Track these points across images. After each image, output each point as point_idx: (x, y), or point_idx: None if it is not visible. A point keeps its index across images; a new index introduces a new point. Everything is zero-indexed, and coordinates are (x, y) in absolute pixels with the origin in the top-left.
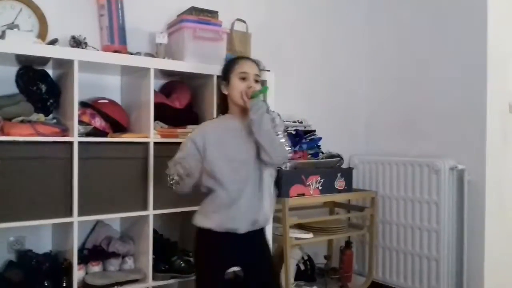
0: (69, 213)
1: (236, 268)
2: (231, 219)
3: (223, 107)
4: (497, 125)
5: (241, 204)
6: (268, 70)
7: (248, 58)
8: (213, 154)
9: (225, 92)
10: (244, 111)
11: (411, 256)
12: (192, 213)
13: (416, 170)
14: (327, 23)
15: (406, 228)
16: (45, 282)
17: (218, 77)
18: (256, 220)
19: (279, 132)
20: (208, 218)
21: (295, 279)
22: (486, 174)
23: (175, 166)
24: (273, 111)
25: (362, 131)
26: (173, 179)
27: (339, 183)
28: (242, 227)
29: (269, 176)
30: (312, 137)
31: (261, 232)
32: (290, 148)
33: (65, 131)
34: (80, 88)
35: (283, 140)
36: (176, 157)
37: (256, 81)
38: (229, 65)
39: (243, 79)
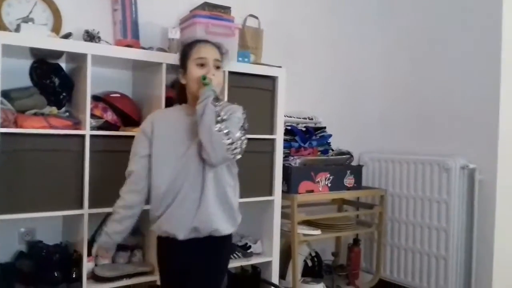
0: (80, 205)
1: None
2: (167, 223)
3: (181, 98)
4: (509, 124)
5: (177, 207)
6: (280, 66)
7: (206, 41)
8: (156, 149)
9: (183, 82)
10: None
11: (420, 255)
12: None
13: (426, 169)
14: (340, 19)
15: (415, 227)
16: (55, 273)
17: (173, 65)
18: (195, 227)
19: (225, 129)
20: (153, 221)
21: (303, 275)
22: (497, 174)
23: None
24: (227, 104)
25: (373, 128)
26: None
27: (349, 181)
28: (180, 233)
29: (221, 178)
30: (322, 134)
31: (209, 242)
32: (236, 149)
33: (77, 124)
34: (92, 82)
35: (226, 139)
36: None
37: (217, 67)
38: (185, 50)
39: (201, 65)
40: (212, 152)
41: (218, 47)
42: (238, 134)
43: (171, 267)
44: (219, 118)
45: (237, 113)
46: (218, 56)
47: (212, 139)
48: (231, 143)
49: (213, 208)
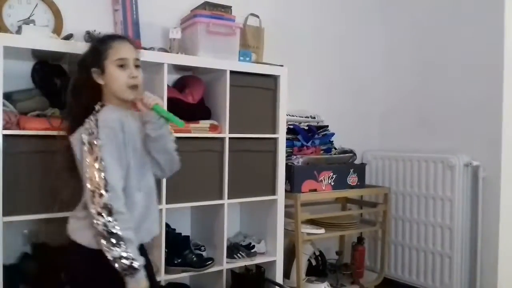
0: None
1: None
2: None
3: (90, 94)
4: None
5: (146, 213)
6: (281, 65)
7: (123, 38)
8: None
9: (100, 82)
10: (127, 104)
11: (424, 253)
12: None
13: (430, 166)
14: (342, 18)
15: (419, 225)
16: (60, 274)
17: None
18: (157, 233)
19: (176, 149)
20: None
21: (307, 274)
22: (501, 171)
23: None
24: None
25: (376, 126)
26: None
27: (352, 179)
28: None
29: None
30: (324, 132)
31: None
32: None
33: None
34: None
35: (178, 157)
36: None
37: (137, 66)
38: (101, 48)
39: (121, 66)
40: (169, 171)
41: (132, 43)
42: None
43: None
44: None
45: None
46: (137, 55)
47: (172, 161)
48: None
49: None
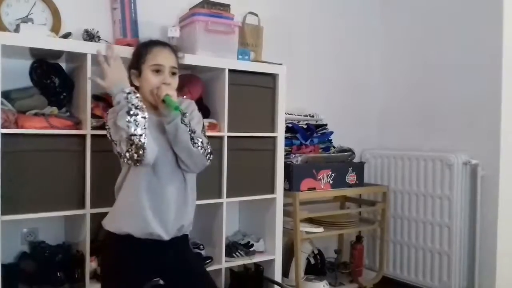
0: (82, 206)
1: (157, 281)
2: (153, 224)
3: None
4: None
5: (163, 208)
6: (280, 64)
7: (164, 45)
8: None
9: (136, 84)
10: (155, 107)
11: (423, 251)
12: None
13: (428, 165)
14: (340, 16)
15: (417, 223)
16: (58, 273)
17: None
18: (182, 226)
19: (196, 139)
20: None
21: (305, 273)
22: (500, 169)
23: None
24: (185, 107)
25: (375, 125)
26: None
27: (351, 178)
28: (167, 233)
29: (193, 178)
30: (323, 131)
31: (186, 239)
32: (209, 154)
33: (78, 124)
34: (92, 81)
35: (202, 150)
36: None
37: (173, 74)
38: (141, 52)
39: (157, 71)
40: (194, 166)
41: (175, 52)
42: (205, 140)
43: (142, 271)
44: (191, 134)
45: (195, 113)
46: (175, 63)
47: (191, 154)
48: (205, 150)
49: (191, 206)
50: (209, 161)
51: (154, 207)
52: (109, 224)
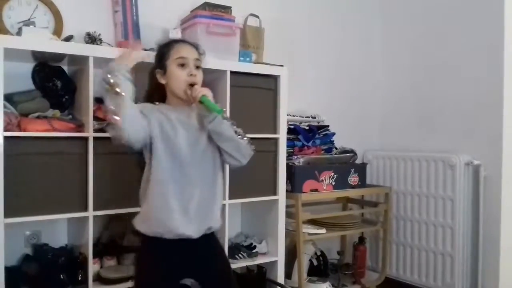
0: (85, 208)
1: (189, 280)
2: (180, 224)
3: (158, 97)
4: None
5: (191, 208)
6: (282, 65)
7: (184, 41)
8: (160, 147)
9: (162, 82)
10: (186, 103)
11: (426, 252)
12: None
13: (431, 166)
14: (342, 18)
15: (420, 224)
16: (61, 275)
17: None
18: (211, 226)
19: (240, 133)
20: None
21: (308, 275)
22: (502, 169)
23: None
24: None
25: (377, 126)
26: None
27: (353, 179)
28: (195, 233)
29: (221, 177)
30: (325, 132)
31: (214, 236)
32: (251, 142)
33: (80, 127)
34: (94, 84)
35: (245, 140)
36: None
37: (197, 67)
38: (164, 50)
39: (182, 65)
40: (243, 157)
41: (195, 47)
42: (241, 130)
43: (173, 270)
44: (236, 129)
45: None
46: (197, 56)
47: (239, 147)
48: (248, 139)
49: (218, 204)
50: (253, 151)
51: (182, 209)
52: (139, 225)
